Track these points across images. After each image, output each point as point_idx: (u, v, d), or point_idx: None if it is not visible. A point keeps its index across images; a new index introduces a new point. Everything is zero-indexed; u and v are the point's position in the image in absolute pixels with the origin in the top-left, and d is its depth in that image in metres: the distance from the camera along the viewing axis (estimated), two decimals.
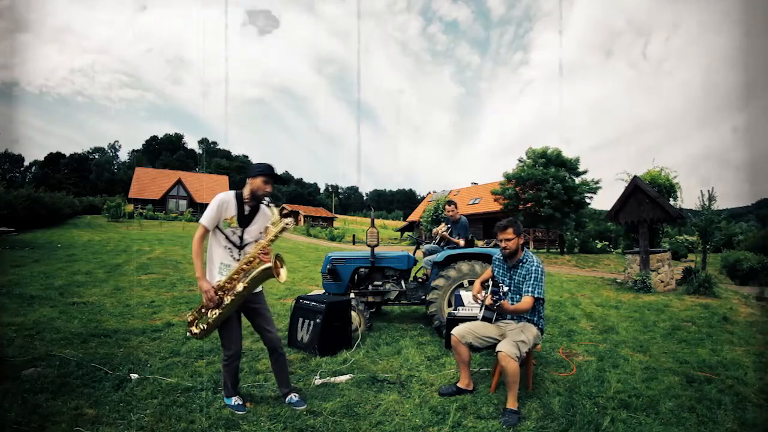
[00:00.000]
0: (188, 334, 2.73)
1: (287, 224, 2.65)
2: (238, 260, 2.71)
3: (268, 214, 2.78)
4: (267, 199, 2.75)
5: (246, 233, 2.76)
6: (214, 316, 2.63)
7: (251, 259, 2.63)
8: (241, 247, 2.75)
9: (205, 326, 2.66)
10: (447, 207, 5.56)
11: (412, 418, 2.69)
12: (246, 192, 2.76)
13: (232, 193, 2.77)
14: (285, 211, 2.95)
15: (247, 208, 2.77)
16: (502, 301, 2.94)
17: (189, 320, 2.74)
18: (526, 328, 3.03)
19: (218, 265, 2.72)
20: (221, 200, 2.71)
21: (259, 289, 2.84)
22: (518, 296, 3.11)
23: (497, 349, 2.84)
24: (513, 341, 2.86)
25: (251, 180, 2.75)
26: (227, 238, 2.73)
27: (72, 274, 7.89)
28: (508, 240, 3.08)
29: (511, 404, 2.75)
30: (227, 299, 2.61)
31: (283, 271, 2.66)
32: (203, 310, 2.68)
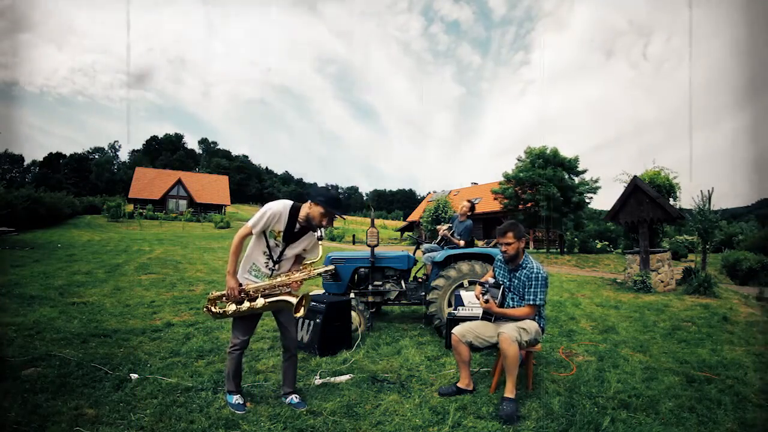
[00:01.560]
0: (204, 309, 2.81)
1: (327, 270, 2.89)
2: (271, 269, 2.75)
3: (315, 242, 2.80)
4: (321, 231, 2.77)
5: (288, 249, 2.75)
6: (232, 310, 2.68)
7: (282, 284, 2.68)
8: (277, 260, 2.75)
9: (221, 311, 2.72)
10: (465, 203, 5.48)
11: (412, 418, 2.69)
12: (302, 212, 2.70)
13: (288, 206, 2.70)
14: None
15: (297, 227, 2.72)
16: (490, 295, 2.99)
17: (210, 298, 2.78)
18: (528, 321, 3.06)
19: (251, 265, 2.74)
20: (274, 212, 2.66)
21: None
22: (517, 297, 3.12)
23: (499, 330, 2.87)
24: (515, 326, 2.92)
25: (312, 204, 2.68)
26: (268, 246, 2.73)
27: (72, 274, 7.88)
28: (508, 244, 3.08)
29: (509, 392, 2.76)
30: (245, 305, 2.66)
31: (302, 311, 2.70)
32: (224, 299, 2.73)
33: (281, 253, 2.75)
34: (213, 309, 2.75)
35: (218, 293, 2.78)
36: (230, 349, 2.79)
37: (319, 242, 2.88)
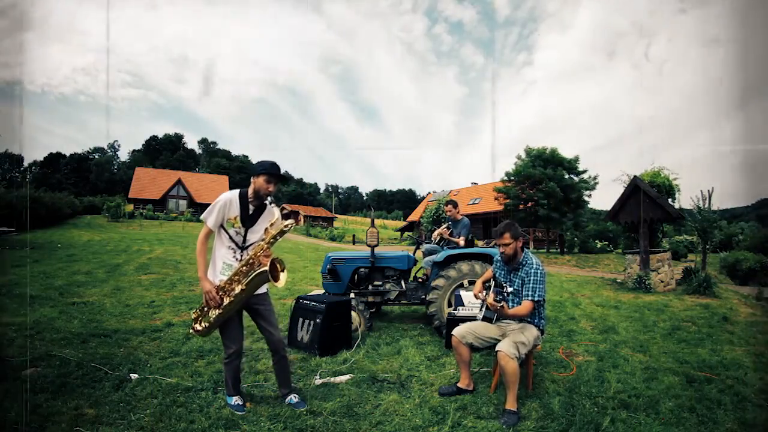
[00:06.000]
0: (191, 331, 2.73)
1: (286, 226, 2.61)
2: (241, 261, 2.68)
3: (274, 214, 2.74)
4: (270, 198, 2.72)
5: (250, 233, 2.73)
6: (215, 315, 2.62)
7: (251, 261, 2.60)
8: (244, 247, 2.72)
9: (207, 324, 2.66)
10: (446, 207, 5.55)
11: (412, 418, 2.69)
12: (250, 191, 2.72)
13: (236, 192, 2.72)
14: (285, 211, 2.92)
15: (251, 208, 2.72)
16: (503, 302, 2.94)
17: (193, 317, 2.74)
18: (527, 328, 3.02)
19: (221, 265, 2.70)
20: (224, 200, 2.67)
21: (264, 290, 2.81)
22: (518, 299, 3.11)
23: (497, 348, 2.85)
24: (513, 342, 2.86)
25: (254, 179, 2.70)
26: (231, 238, 2.70)
27: (72, 274, 7.89)
28: (506, 245, 3.07)
29: (511, 405, 2.74)
30: (226, 300, 2.59)
31: (282, 276, 2.62)
32: (205, 309, 2.68)
33: (244, 239, 2.72)
34: (199, 327, 2.68)
35: (197, 310, 2.72)
36: (225, 360, 2.75)
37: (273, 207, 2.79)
